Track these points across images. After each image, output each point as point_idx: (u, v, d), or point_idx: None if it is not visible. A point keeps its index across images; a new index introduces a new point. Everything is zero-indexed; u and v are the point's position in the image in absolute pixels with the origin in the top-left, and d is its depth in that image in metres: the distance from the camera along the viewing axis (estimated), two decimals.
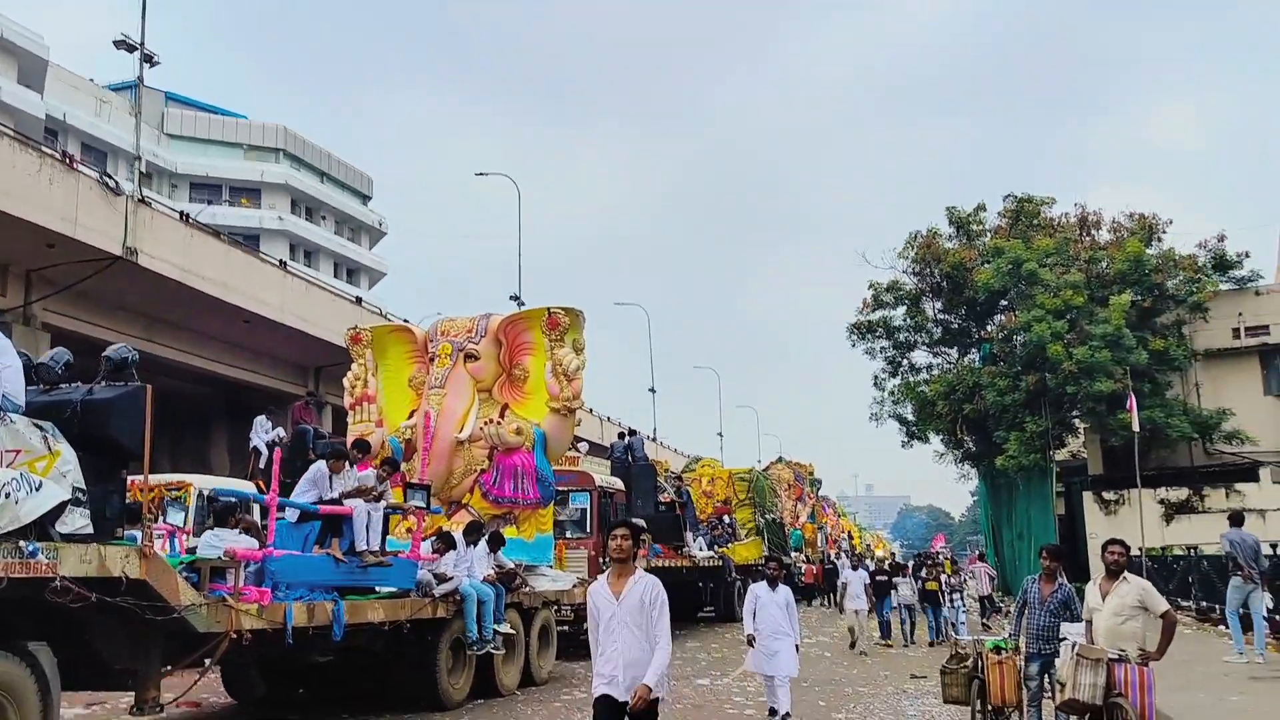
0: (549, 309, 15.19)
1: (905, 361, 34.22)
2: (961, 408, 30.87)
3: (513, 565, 13.83)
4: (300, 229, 59.52)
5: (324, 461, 10.68)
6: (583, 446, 20.27)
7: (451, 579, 12.23)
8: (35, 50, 46.30)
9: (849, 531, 60.44)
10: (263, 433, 21.40)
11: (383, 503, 10.97)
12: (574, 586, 15.81)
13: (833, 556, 43.60)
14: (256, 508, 10.98)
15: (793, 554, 37.90)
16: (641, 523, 14.32)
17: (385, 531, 11.25)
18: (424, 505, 11.56)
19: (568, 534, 18.03)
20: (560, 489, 17.44)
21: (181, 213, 23.21)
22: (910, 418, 33.71)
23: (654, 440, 54.39)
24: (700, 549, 24.81)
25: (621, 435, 24.56)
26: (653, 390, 54.81)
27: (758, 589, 9.68)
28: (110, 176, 20.46)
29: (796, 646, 9.90)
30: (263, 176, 58.95)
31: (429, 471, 14.68)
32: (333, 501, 10.47)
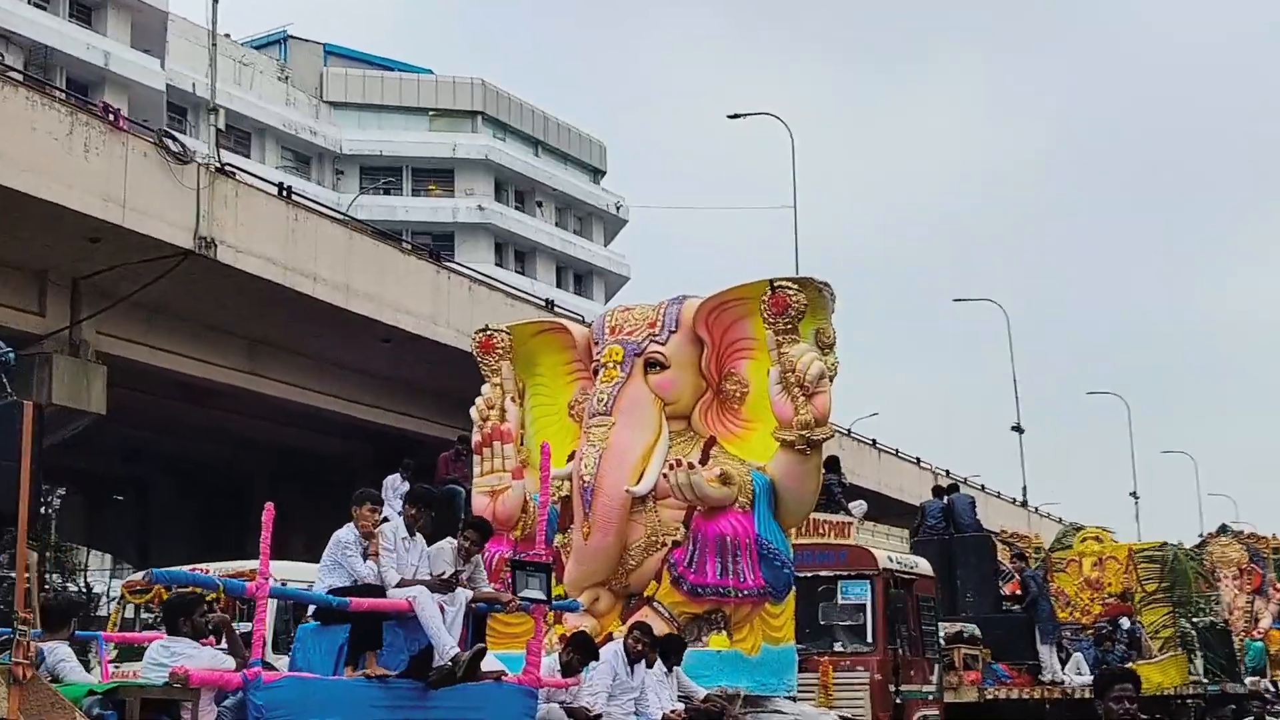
0: (772, 283, 13.65)
1: None
2: None
3: (715, 694, 12.32)
4: (508, 221, 60.82)
5: (350, 523, 9.58)
6: (857, 507, 18.46)
7: (599, 716, 10.84)
8: (152, 2, 49.31)
9: None
10: (395, 497, 21.01)
11: (462, 592, 9.69)
12: None
13: None
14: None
15: (1248, 680, 34.11)
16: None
17: (477, 635, 9.97)
18: (542, 597, 10.19)
19: (836, 645, 16.56)
20: (816, 574, 16.19)
21: (281, 185, 23.30)
22: None
23: (1022, 505, 51.38)
24: (1076, 671, 22.46)
25: (937, 491, 22.85)
26: (1018, 429, 52.17)
27: None
28: (172, 135, 20.64)
29: None
30: (455, 151, 60.69)
31: (589, 545, 13.49)
32: (368, 590, 9.28)
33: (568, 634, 12.36)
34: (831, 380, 13.91)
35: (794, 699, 14.16)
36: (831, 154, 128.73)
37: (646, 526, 13.61)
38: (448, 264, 26.49)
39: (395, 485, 21.27)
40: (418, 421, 27.05)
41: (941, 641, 19.14)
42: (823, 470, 19.49)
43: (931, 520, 22.12)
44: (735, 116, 38.59)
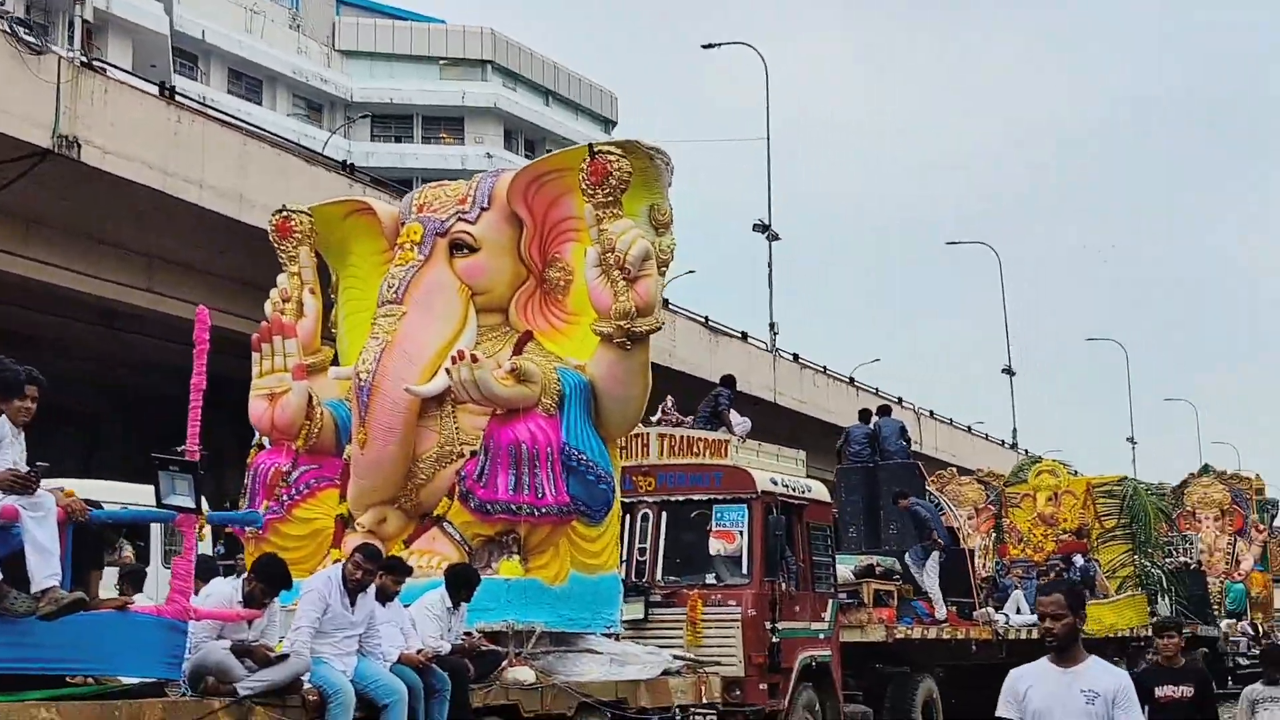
0: (592, 148, 11.16)
1: None
2: None
3: (475, 632, 9.69)
4: (517, 169, 58.10)
5: None
6: (740, 424, 15.63)
7: (290, 658, 8.05)
8: None
9: None
10: None
11: (49, 496, 6.92)
12: (663, 673, 11.28)
13: None
14: None
15: (1224, 623, 31.29)
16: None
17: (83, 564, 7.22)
18: (189, 504, 7.41)
19: (709, 576, 14.01)
20: (689, 498, 13.94)
21: (162, 84, 20.55)
22: None
23: (1011, 447, 48.36)
24: (1016, 610, 19.78)
25: (864, 415, 20.39)
26: (1009, 371, 49.88)
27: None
28: (26, 24, 17.95)
29: None
30: (465, 100, 58.14)
31: (366, 456, 11.00)
32: None
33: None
34: (666, 266, 11.71)
35: (617, 636, 11.58)
36: (831, 94, 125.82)
37: (441, 435, 11.29)
38: (359, 174, 23.59)
39: None
40: None
41: (851, 575, 16.60)
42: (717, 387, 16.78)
43: (855, 446, 19.68)
44: (710, 47, 36.03)
